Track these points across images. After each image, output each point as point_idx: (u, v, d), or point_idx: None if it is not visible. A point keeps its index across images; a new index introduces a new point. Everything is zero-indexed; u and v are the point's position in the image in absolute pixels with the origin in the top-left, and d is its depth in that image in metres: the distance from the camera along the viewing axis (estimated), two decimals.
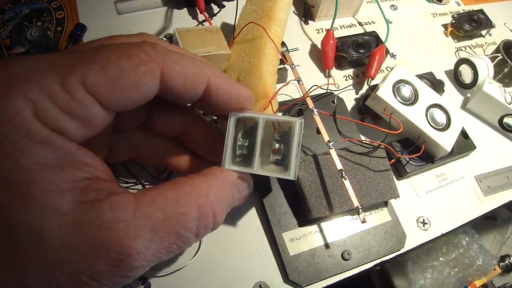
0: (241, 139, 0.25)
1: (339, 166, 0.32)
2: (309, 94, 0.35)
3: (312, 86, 0.35)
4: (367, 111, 0.41)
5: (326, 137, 0.33)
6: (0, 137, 0.16)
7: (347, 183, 0.31)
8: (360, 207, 0.30)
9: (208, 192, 0.21)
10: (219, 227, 0.22)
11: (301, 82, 0.35)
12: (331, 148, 0.32)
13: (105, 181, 0.20)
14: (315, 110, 0.33)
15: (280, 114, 0.37)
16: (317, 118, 0.33)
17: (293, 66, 0.36)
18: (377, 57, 0.43)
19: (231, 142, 0.24)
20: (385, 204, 0.36)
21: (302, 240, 0.33)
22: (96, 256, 0.17)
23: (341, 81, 0.44)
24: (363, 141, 0.36)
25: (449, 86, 0.48)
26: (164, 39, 0.40)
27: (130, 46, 0.19)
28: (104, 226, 0.17)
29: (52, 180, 0.17)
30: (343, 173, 0.31)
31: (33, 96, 0.16)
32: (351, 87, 0.44)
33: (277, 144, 0.25)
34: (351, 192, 0.31)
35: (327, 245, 0.33)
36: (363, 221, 0.30)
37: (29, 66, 0.17)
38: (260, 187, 0.34)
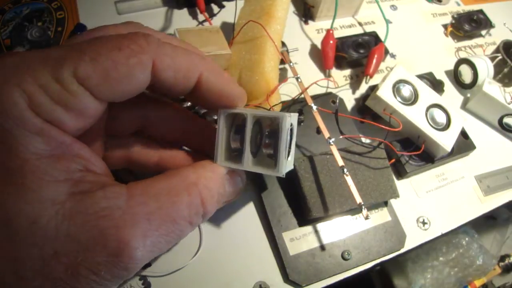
0: (234, 134, 0.25)
1: (340, 162, 0.31)
2: (309, 95, 0.35)
3: (312, 83, 0.34)
4: (367, 111, 0.41)
5: (326, 134, 0.32)
6: None
7: (349, 179, 0.31)
8: (362, 203, 0.30)
9: (197, 181, 0.22)
10: (211, 215, 0.23)
11: (299, 80, 0.35)
12: (332, 145, 0.32)
13: (100, 175, 0.20)
14: (315, 107, 0.33)
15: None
16: (317, 115, 0.33)
17: (291, 64, 0.36)
18: (375, 55, 0.43)
19: (222, 138, 0.24)
20: (385, 204, 0.36)
21: (302, 240, 0.33)
22: (94, 246, 0.17)
23: (341, 81, 0.44)
24: (364, 139, 0.36)
25: (449, 86, 0.48)
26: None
27: (122, 37, 0.19)
28: (100, 215, 0.18)
29: (47, 170, 0.17)
30: (345, 169, 0.31)
31: (28, 88, 0.17)
32: (349, 86, 0.44)
33: (267, 140, 0.24)
34: (353, 188, 0.31)
35: (327, 245, 0.33)
36: (367, 218, 0.30)
37: (22, 60, 0.18)
38: (256, 183, 0.34)
